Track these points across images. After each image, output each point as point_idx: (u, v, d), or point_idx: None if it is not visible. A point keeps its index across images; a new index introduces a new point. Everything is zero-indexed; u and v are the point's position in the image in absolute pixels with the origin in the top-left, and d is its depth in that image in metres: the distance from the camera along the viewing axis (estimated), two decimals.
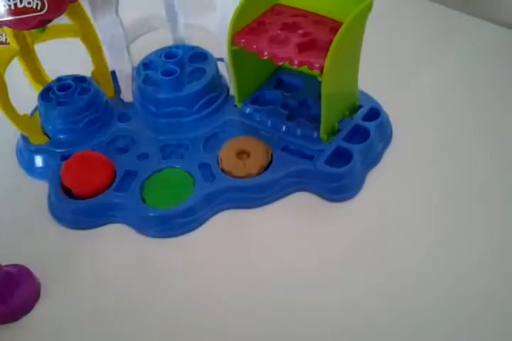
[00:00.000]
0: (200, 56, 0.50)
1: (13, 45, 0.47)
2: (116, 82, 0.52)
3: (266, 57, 0.41)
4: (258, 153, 0.45)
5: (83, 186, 0.44)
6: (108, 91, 0.52)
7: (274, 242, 0.42)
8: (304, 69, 0.40)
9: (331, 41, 0.38)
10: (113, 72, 0.52)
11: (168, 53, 0.50)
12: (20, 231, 0.45)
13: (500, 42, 0.58)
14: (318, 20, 0.43)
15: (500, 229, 0.42)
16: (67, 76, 0.49)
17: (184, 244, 0.43)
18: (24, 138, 0.49)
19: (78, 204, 0.44)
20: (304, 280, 0.40)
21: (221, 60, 0.50)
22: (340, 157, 0.44)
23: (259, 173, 0.44)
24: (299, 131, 0.46)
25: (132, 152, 0.47)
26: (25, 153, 0.49)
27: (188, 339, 0.38)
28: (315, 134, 0.45)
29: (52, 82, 0.49)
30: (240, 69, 0.46)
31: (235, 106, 0.50)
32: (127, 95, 0.52)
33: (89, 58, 0.49)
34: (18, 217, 0.46)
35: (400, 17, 0.63)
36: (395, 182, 0.45)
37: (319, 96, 0.41)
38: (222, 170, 0.45)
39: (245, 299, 0.39)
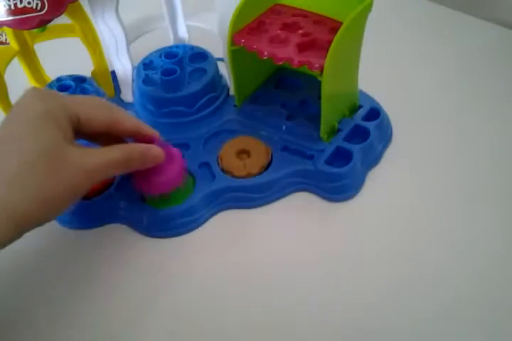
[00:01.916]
0: (200, 56, 0.50)
1: (13, 45, 0.47)
2: (116, 82, 0.52)
3: (266, 57, 0.41)
4: (258, 152, 0.45)
5: None
6: (108, 92, 0.52)
7: (274, 242, 0.42)
8: (304, 69, 0.40)
9: (331, 41, 0.38)
10: (113, 72, 0.52)
11: (168, 53, 0.50)
12: None
13: (500, 42, 0.58)
14: (319, 20, 0.43)
15: (502, 229, 0.42)
16: (67, 76, 0.49)
17: (184, 244, 0.43)
18: None
19: (78, 205, 0.44)
20: (304, 280, 0.40)
21: (221, 59, 0.50)
22: (341, 157, 0.44)
23: (259, 173, 0.44)
24: (299, 131, 0.46)
25: None
26: None
27: (187, 338, 0.38)
28: (315, 134, 0.45)
29: (52, 82, 0.49)
30: (239, 69, 0.46)
31: (235, 106, 0.50)
32: (127, 95, 0.52)
33: (89, 58, 0.49)
34: None
35: (400, 17, 0.63)
36: (395, 182, 0.45)
37: (319, 96, 0.41)
38: (222, 170, 0.45)
39: (245, 299, 0.39)
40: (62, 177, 0.33)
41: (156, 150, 0.39)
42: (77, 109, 0.37)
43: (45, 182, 0.33)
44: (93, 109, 0.38)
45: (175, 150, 0.42)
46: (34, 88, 0.37)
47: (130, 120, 0.39)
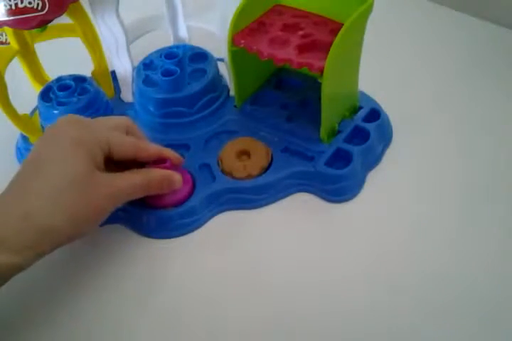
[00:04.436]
0: (200, 56, 0.50)
1: (13, 44, 0.47)
2: (117, 82, 0.52)
3: (266, 58, 0.41)
4: (258, 154, 0.45)
5: None
6: (108, 92, 0.52)
7: (275, 244, 0.42)
8: (304, 70, 0.40)
9: (331, 42, 0.38)
10: (113, 72, 0.52)
11: (168, 53, 0.50)
12: None
13: (500, 42, 0.58)
14: (319, 21, 0.43)
15: (503, 230, 0.42)
16: (67, 76, 0.49)
17: (184, 245, 0.43)
18: (24, 138, 0.49)
19: None
20: (304, 281, 0.40)
21: (221, 60, 0.50)
22: (341, 158, 0.44)
23: (259, 174, 0.44)
24: (299, 132, 0.46)
25: None
26: (25, 152, 0.49)
27: (187, 339, 0.38)
28: (315, 135, 0.45)
29: (52, 82, 0.49)
30: (240, 70, 0.46)
31: (235, 106, 0.50)
32: (127, 95, 0.52)
33: (89, 58, 0.49)
34: None
35: (400, 17, 0.63)
36: (395, 184, 0.45)
37: (319, 97, 0.41)
38: (223, 171, 0.45)
39: (245, 300, 0.39)
40: (89, 201, 0.37)
41: (174, 178, 0.42)
42: (109, 137, 0.39)
43: (74, 204, 0.36)
44: (122, 137, 0.41)
45: (187, 176, 0.44)
46: (67, 115, 0.40)
47: (153, 145, 0.42)
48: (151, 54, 0.51)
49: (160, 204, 0.43)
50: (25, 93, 0.50)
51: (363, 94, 0.49)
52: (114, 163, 0.41)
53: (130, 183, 0.39)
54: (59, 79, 0.49)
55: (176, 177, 0.42)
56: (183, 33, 0.54)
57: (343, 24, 0.39)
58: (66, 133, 0.38)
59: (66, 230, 0.36)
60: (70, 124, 0.39)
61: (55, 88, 0.48)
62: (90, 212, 0.37)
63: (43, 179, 0.36)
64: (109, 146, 0.39)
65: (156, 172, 0.41)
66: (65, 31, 0.49)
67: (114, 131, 0.40)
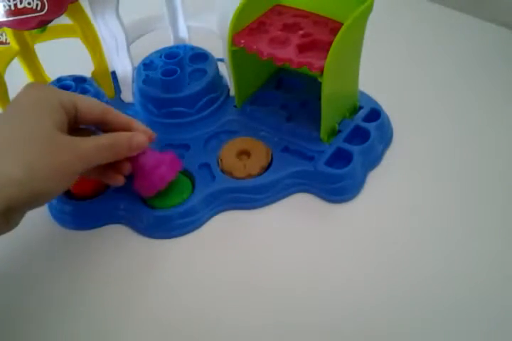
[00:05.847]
0: (200, 56, 0.50)
1: (13, 45, 0.47)
2: (117, 82, 0.52)
3: (266, 58, 0.41)
4: (258, 153, 0.45)
5: (83, 187, 0.44)
6: (108, 92, 0.52)
7: (274, 243, 0.42)
8: (304, 70, 0.40)
9: (331, 42, 0.38)
10: (113, 73, 0.52)
11: (168, 53, 0.50)
12: (21, 232, 0.45)
13: (500, 42, 0.58)
14: (319, 20, 0.43)
15: (503, 230, 0.42)
16: (67, 76, 0.49)
17: (184, 245, 0.43)
18: None
19: (78, 206, 0.44)
20: (304, 281, 0.40)
21: (221, 60, 0.50)
22: (341, 158, 0.44)
23: (259, 174, 0.44)
24: (299, 132, 0.46)
25: None
26: None
27: (187, 338, 0.38)
28: (315, 135, 0.45)
29: (53, 82, 0.49)
30: (240, 70, 0.46)
31: (235, 106, 0.50)
32: (127, 95, 0.52)
33: (89, 58, 0.49)
34: None
35: (400, 17, 0.63)
36: (395, 184, 0.45)
37: (319, 97, 0.41)
38: (223, 171, 0.45)
39: (244, 300, 0.39)
40: (53, 156, 0.35)
41: (139, 137, 0.40)
42: (74, 97, 0.38)
43: (35, 158, 0.34)
44: (90, 99, 0.40)
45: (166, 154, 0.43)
46: (32, 82, 0.39)
47: (123, 114, 0.41)
48: (151, 54, 0.51)
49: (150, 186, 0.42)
50: None
51: (363, 94, 0.49)
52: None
53: (94, 144, 0.37)
54: (59, 79, 0.49)
55: (141, 136, 0.40)
56: (183, 33, 0.54)
57: (342, 24, 0.39)
58: (28, 94, 0.37)
59: (25, 183, 0.33)
60: (32, 88, 0.38)
61: None
62: (53, 168, 0.34)
63: (2, 133, 0.35)
64: (75, 106, 0.38)
65: (121, 134, 0.39)
66: (65, 32, 0.50)
67: (81, 95, 0.40)
